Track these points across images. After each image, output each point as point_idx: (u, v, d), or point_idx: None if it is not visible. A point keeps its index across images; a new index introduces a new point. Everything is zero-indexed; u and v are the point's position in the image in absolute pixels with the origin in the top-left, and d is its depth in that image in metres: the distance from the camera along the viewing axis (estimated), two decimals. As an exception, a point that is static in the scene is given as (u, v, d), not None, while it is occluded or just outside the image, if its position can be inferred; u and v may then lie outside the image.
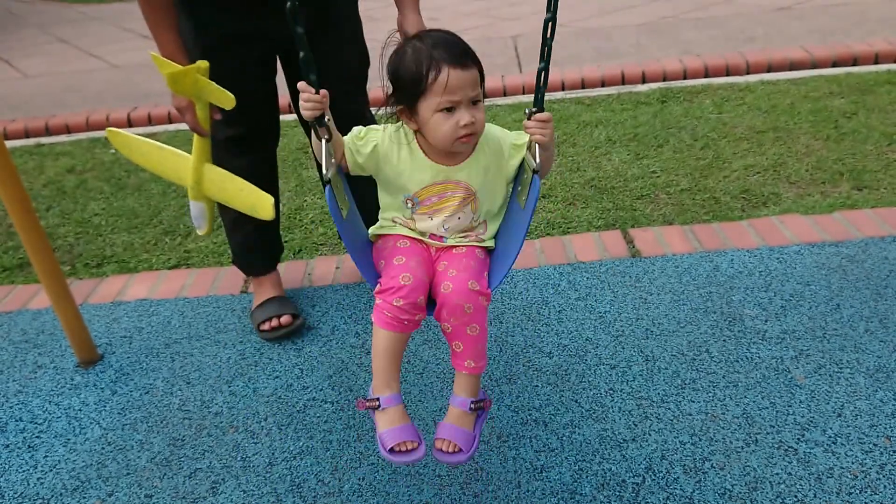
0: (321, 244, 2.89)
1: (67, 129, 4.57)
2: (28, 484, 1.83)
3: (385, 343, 1.49)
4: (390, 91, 1.53)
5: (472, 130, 1.48)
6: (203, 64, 1.83)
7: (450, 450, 1.50)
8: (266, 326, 2.29)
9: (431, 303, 1.53)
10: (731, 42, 4.84)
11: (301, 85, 1.43)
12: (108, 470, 1.84)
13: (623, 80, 4.41)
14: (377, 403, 1.49)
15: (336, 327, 2.32)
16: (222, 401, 2.04)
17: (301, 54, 1.39)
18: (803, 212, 2.75)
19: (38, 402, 2.11)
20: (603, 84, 4.41)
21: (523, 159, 1.58)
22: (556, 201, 3.03)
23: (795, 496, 1.60)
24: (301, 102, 1.43)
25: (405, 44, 1.51)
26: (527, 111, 1.52)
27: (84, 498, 1.77)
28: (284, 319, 2.28)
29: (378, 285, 1.51)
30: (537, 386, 1.99)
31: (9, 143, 4.43)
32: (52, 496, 1.78)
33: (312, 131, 1.50)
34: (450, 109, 1.46)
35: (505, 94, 4.42)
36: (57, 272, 2.11)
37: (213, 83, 1.83)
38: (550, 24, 1.45)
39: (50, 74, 5.92)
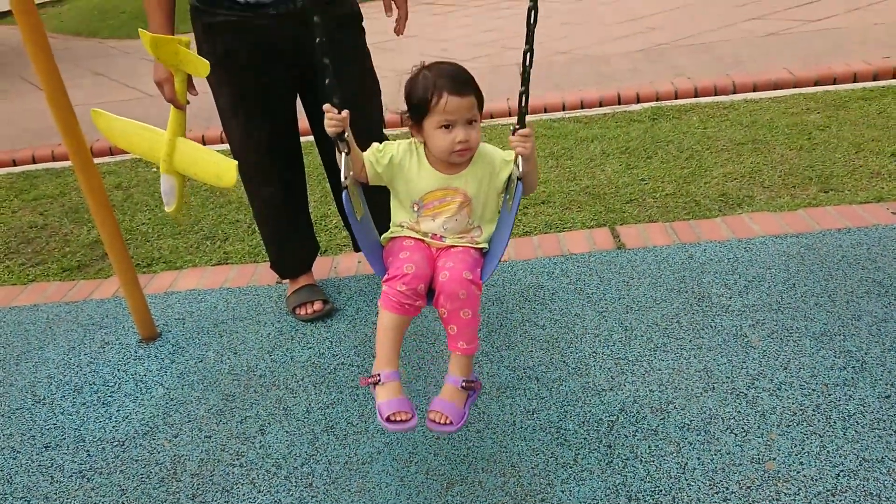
0: (344, 245, 3.27)
1: (111, 152, 5.01)
2: (105, 431, 2.19)
3: (388, 324, 1.74)
4: (406, 108, 1.86)
5: (466, 146, 1.78)
6: (185, 38, 2.13)
7: (441, 421, 1.74)
8: (300, 311, 2.65)
9: (431, 295, 1.80)
10: (720, 65, 5.22)
11: (326, 106, 1.77)
12: (173, 419, 2.21)
13: (619, 101, 4.79)
14: (378, 378, 1.73)
15: (359, 309, 2.68)
16: (265, 366, 2.41)
17: (326, 80, 1.77)
18: (773, 211, 3.10)
19: (108, 369, 2.48)
20: (601, 104, 4.79)
21: (511, 170, 1.87)
22: (555, 206, 3.39)
23: (742, 428, 1.94)
24: (326, 121, 1.77)
25: (418, 73, 1.83)
26: (511, 127, 1.82)
27: (154, 439, 2.13)
28: (317, 306, 2.64)
29: (385, 275, 1.79)
30: (531, 351, 2.34)
31: (58, 164, 4.88)
32: (126, 439, 2.15)
33: (335, 145, 1.82)
34: (448, 127, 1.76)
35: (510, 115, 4.82)
36: (127, 261, 2.50)
37: (193, 53, 2.12)
38: (528, 54, 1.78)
39: (90, 104, 6.36)
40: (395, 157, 1.88)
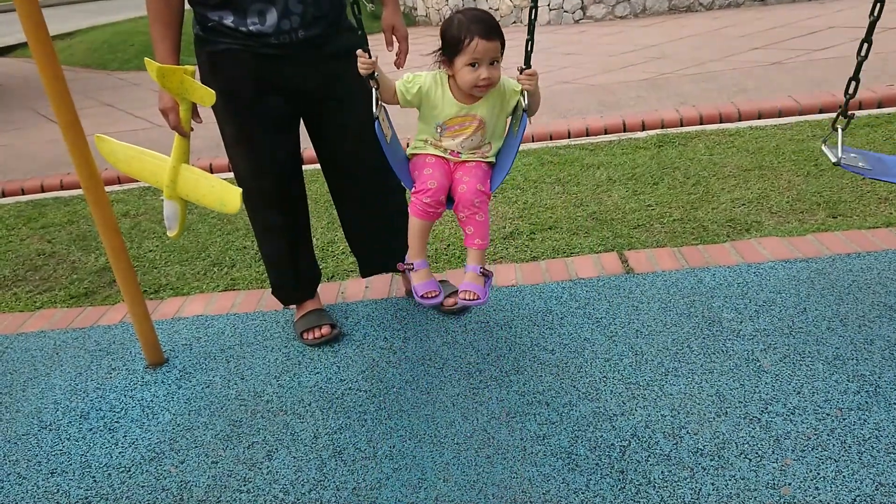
0: (351, 270, 3.26)
1: (118, 181, 5.04)
2: (111, 457, 2.17)
3: (417, 227, 2.21)
4: (440, 44, 2.17)
5: (488, 83, 2.11)
6: (190, 68, 2.17)
7: (471, 297, 2.20)
8: (308, 336, 2.64)
9: (450, 201, 2.22)
10: (724, 94, 5.25)
11: (359, 52, 2.07)
12: (179, 444, 2.18)
13: (624, 129, 4.81)
14: (412, 266, 2.24)
15: (367, 334, 2.67)
16: (272, 392, 2.39)
17: (360, 32, 2.08)
18: (781, 236, 3.09)
19: (114, 395, 2.46)
20: (606, 132, 4.81)
21: (518, 100, 2.22)
22: (562, 232, 3.39)
23: (757, 453, 1.91)
24: (358, 63, 2.08)
25: (454, 16, 2.13)
26: (518, 68, 2.15)
27: (160, 465, 2.11)
28: (325, 330, 2.63)
29: (413, 188, 2.20)
30: (541, 375, 2.32)
31: (67, 193, 4.91)
32: (133, 465, 2.12)
33: (366, 82, 2.16)
34: (474, 65, 2.08)
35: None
36: (135, 284, 2.50)
37: (198, 83, 2.14)
38: (533, 10, 2.09)
39: (99, 133, 6.44)
40: (423, 87, 2.21)
